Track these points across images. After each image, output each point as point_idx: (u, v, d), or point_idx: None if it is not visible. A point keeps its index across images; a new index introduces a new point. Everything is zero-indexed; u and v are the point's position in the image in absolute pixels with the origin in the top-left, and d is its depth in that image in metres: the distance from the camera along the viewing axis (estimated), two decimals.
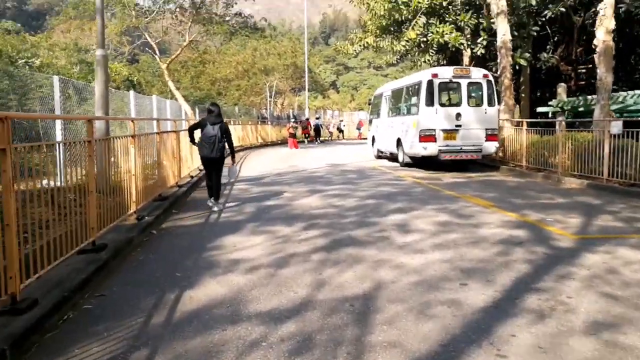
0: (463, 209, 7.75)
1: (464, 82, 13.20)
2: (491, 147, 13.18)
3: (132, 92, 13.41)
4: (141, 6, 23.40)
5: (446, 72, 13.41)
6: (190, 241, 6.09)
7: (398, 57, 23.07)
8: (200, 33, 26.56)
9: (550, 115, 19.53)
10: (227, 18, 26.19)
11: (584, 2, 18.23)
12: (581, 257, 4.99)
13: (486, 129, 13.11)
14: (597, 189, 9.67)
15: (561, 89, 18.44)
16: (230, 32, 26.91)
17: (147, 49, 28.75)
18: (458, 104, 13.32)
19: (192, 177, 11.89)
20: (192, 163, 12.79)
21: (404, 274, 4.53)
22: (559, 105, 17.99)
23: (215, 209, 8.21)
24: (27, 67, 19.34)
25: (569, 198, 8.82)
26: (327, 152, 23.14)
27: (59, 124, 9.33)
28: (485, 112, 13.17)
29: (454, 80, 13.28)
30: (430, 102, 13.06)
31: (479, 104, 13.36)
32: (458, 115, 13.02)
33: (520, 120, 13.93)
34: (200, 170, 13.06)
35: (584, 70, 22.15)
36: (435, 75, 13.19)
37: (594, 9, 18.66)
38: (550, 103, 18.84)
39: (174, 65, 31.43)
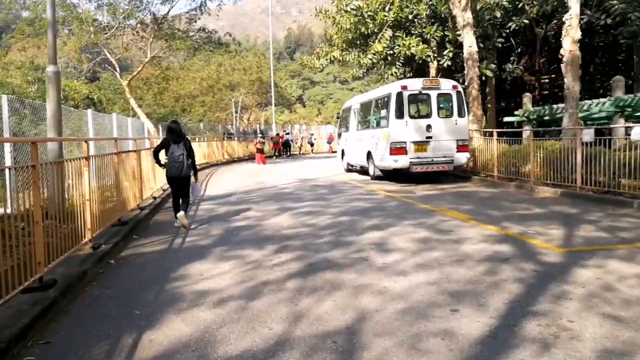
0: (441, 223, 7.45)
1: (433, 94, 13.07)
2: (462, 158, 13.06)
3: (89, 111, 12.72)
4: (100, 22, 22.58)
5: (415, 84, 13.26)
6: (152, 271, 5.55)
7: (364, 70, 23.00)
8: (163, 49, 25.90)
9: (515, 124, 19.76)
10: (191, 33, 25.64)
11: (546, 15, 18.60)
12: (572, 273, 4.71)
13: (457, 140, 13.00)
14: (571, 198, 9.58)
15: (527, 98, 18.65)
16: (194, 47, 26.33)
17: (107, 66, 27.85)
18: (428, 116, 13.18)
19: (154, 198, 11.27)
20: (155, 183, 12.16)
21: (388, 301, 4.15)
22: (525, 114, 18.18)
23: (185, 222, 7.99)
24: None
25: (545, 208, 8.66)
26: (296, 167, 22.74)
27: (7, 146, 8.71)
28: (456, 123, 13.06)
29: (424, 91, 13.14)
30: (400, 114, 12.87)
31: (449, 115, 13.25)
32: (428, 126, 12.86)
33: (490, 130, 13.89)
34: (164, 190, 12.46)
35: (547, 80, 22.62)
36: (404, 87, 13.03)
37: (555, 21, 19.10)
38: (516, 113, 19.03)
39: (136, 82, 30.57)
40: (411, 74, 23.04)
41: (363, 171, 16.14)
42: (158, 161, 8.36)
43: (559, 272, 4.73)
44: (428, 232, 6.79)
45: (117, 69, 24.89)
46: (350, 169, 17.81)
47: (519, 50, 21.72)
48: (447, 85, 13.38)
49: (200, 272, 5.38)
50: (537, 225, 7.05)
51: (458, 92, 13.26)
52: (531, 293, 4.18)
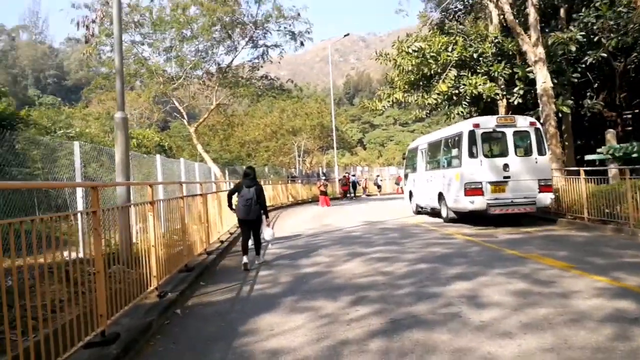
0: (537, 272, 6.55)
1: (509, 132, 12.24)
2: (546, 198, 11.97)
3: (158, 156, 12.91)
4: (169, 73, 23.61)
5: (489, 122, 12.50)
6: (219, 324, 5.09)
7: (427, 111, 22.42)
8: (227, 96, 26.62)
9: (597, 162, 18.27)
10: (254, 81, 26.23)
11: (625, 47, 17.36)
12: None
13: (539, 180, 11.98)
14: None
15: (610, 135, 17.21)
16: (257, 94, 26.89)
17: (176, 114, 29.04)
18: (504, 154, 12.29)
19: (222, 242, 11.03)
20: (222, 227, 11.98)
21: None
22: (610, 152, 16.72)
23: (256, 262, 8.54)
24: (65, 136, 19.65)
25: None
26: (361, 209, 22.14)
27: (80, 191, 8.87)
28: (536, 162, 12.07)
29: (498, 129, 12.35)
30: (473, 153, 12.11)
31: (527, 153, 12.33)
32: (506, 166, 11.97)
33: (576, 169, 12.76)
34: (231, 233, 12.28)
35: (629, 116, 20.99)
36: (476, 125, 12.30)
37: (635, 54, 17.81)
38: (599, 150, 17.56)
39: (203, 128, 31.59)
40: (478, 113, 22.13)
41: (434, 213, 15.28)
42: (230, 203, 8.86)
43: None
44: (525, 283, 5.93)
45: (185, 116, 25.81)
46: (419, 210, 16.98)
47: (596, 85, 20.36)
48: (523, 122, 12.52)
49: (270, 326, 4.87)
50: None
51: (537, 129, 12.36)
52: None
